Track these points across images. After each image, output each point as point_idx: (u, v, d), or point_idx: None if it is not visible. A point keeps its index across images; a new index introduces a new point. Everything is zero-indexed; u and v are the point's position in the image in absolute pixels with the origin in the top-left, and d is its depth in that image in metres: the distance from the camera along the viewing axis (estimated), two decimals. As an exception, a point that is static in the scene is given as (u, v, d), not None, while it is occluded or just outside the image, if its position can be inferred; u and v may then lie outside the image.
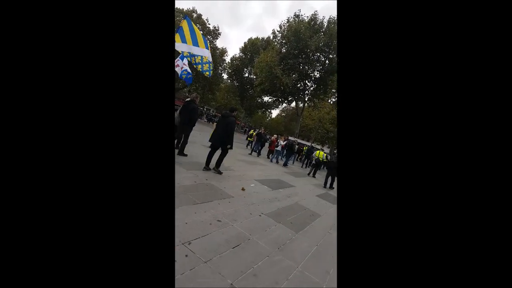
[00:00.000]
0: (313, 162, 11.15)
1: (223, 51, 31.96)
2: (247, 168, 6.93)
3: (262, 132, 12.14)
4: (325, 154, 11.23)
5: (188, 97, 6.21)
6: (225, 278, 1.84)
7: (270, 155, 11.39)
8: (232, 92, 35.93)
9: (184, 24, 5.56)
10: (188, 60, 6.07)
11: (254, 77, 29.60)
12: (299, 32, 23.00)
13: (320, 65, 25.25)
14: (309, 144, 21.53)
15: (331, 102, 26.22)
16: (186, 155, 5.61)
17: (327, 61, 24.86)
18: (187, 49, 5.70)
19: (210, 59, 6.19)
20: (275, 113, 63.74)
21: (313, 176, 10.35)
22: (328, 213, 4.85)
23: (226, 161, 5.54)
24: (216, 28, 30.51)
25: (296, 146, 14.05)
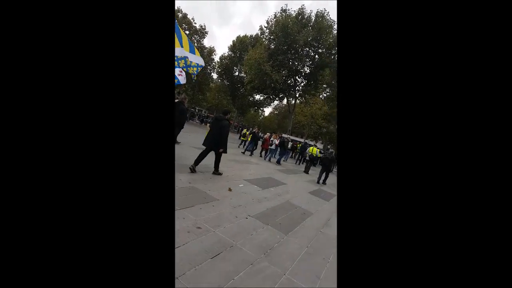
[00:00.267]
0: (307, 158, 11.04)
1: (211, 50, 31.51)
2: (238, 168, 6.70)
3: (256, 131, 11.94)
4: (319, 150, 11.11)
5: (177, 98, 5.97)
6: (199, 295, 1.62)
7: (263, 153, 11.19)
8: (223, 91, 35.58)
9: None
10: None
11: (245, 75, 29.30)
12: (286, 27, 22.70)
13: (309, 60, 25.00)
14: (302, 140, 21.39)
15: (322, 98, 26.11)
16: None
17: (316, 56, 24.66)
18: (179, 52, 5.54)
19: (199, 62, 6.02)
20: (267, 111, 63.57)
21: (307, 172, 10.20)
22: (320, 210, 4.67)
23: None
24: (203, 27, 30.01)
25: (290, 143, 13.93)
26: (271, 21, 25.08)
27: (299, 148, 15.18)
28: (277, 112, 52.38)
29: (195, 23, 29.18)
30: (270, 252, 2.44)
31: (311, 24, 23.59)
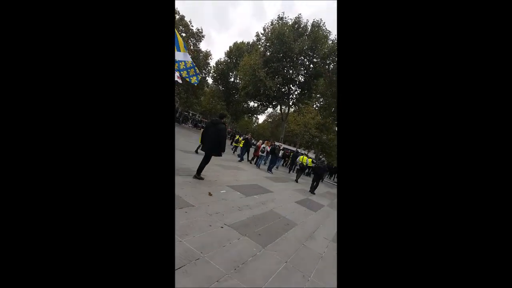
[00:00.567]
0: (298, 167, 10.87)
1: (207, 54, 31.29)
2: (223, 173, 6.39)
3: (249, 137, 12.03)
4: (311, 160, 10.96)
5: None
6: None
7: (254, 160, 11.00)
8: (218, 96, 35.32)
9: None
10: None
11: (239, 81, 29.23)
12: (283, 35, 22.75)
13: (304, 69, 25.04)
14: (294, 149, 21.20)
15: (316, 108, 26.08)
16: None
17: (311, 65, 24.73)
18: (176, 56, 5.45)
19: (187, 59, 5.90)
20: (261, 118, 63.44)
21: (296, 181, 9.96)
22: (306, 221, 4.40)
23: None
24: (200, 30, 29.73)
25: (282, 151, 13.76)
26: (267, 28, 25.17)
27: (291, 156, 15.05)
28: (270, 120, 52.33)
29: (192, 26, 28.93)
30: (242, 267, 2.15)
31: (307, 33, 23.75)
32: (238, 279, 1.96)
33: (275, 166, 11.13)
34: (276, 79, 23.26)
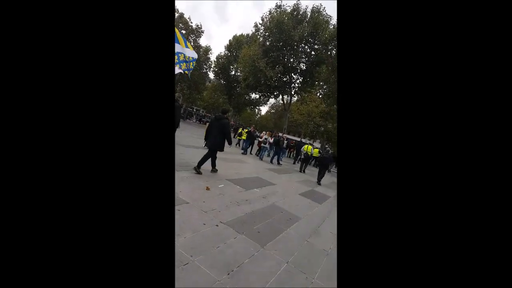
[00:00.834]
0: (302, 157, 10.63)
1: (207, 49, 30.85)
2: (224, 166, 6.15)
3: (252, 130, 11.89)
4: (317, 150, 10.72)
5: None
6: None
7: (259, 153, 10.86)
8: (219, 90, 35.03)
9: None
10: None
11: (240, 73, 28.81)
12: (282, 23, 22.01)
13: (305, 57, 24.32)
14: (298, 139, 20.85)
15: (319, 96, 25.50)
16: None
17: (312, 52, 24.00)
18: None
19: (193, 55, 5.96)
20: (264, 110, 62.78)
21: (303, 171, 9.71)
22: (311, 215, 4.16)
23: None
24: (199, 26, 29.29)
25: (285, 142, 13.52)
26: (266, 17, 24.48)
27: (295, 146, 14.79)
28: (273, 111, 51.82)
29: (191, 23, 28.58)
30: (237, 271, 1.94)
31: (307, 19, 23.00)
32: (232, 285, 1.75)
33: (280, 158, 10.87)
34: (276, 68, 22.68)
